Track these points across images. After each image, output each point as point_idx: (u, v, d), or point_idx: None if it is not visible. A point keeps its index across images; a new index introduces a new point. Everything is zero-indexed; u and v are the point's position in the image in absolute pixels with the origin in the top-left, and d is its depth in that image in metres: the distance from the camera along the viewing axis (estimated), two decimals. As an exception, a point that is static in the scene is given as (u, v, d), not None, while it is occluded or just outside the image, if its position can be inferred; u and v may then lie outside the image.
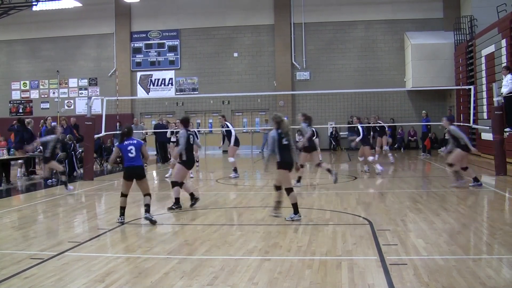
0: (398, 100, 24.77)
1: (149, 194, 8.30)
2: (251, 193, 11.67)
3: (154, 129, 21.26)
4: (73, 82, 29.09)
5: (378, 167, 14.27)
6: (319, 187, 12.32)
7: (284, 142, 8.12)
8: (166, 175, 15.00)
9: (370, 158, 14.45)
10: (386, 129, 17.97)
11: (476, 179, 11.21)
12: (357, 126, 14.41)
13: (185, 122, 9.64)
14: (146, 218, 8.08)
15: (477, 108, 19.46)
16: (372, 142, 16.15)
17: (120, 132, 9.31)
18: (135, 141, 8.27)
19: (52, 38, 28.75)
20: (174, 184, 9.35)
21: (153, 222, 7.99)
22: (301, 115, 12.35)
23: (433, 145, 23.54)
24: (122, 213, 8.21)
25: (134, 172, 8.18)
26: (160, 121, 21.35)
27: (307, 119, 12.09)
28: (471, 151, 11.42)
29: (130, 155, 8.10)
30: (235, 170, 14.57)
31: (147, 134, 21.56)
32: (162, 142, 19.60)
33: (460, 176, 11.36)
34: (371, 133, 16.71)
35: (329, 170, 11.96)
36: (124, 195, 8.24)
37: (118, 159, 9.02)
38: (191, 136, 9.52)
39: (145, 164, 9.55)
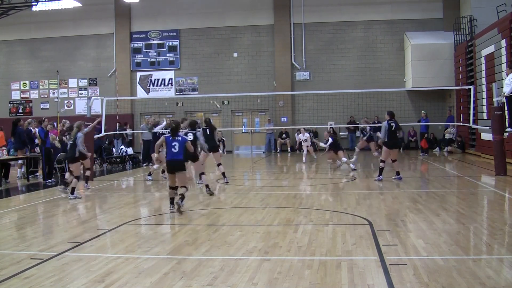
0: (398, 100, 24.72)
1: (185, 186, 8.93)
2: (251, 193, 11.66)
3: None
4: (72, 82, 29.07)
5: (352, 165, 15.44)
6: (319, 187, 12.32)
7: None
8: None
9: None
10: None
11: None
12: (365, 127, 14.53)
13: None
14: (177, 203, 8.70)
15: (477, 108, 19.46)
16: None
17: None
18: (179, 138, 8.93)
19: (52, 39, 28.72)
20: None
21: (179, 211, 8.64)
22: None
23: (432, 145, 23.56)
24: (171, 203, 8.99)
25: (175, 165, 8.89)
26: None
27: None
28: None
29: (173, 150, 8.82)
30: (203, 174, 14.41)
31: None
32: (146, 141, 19.52)
33: None
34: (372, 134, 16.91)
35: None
36: (171, 188, 8.99)
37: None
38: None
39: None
